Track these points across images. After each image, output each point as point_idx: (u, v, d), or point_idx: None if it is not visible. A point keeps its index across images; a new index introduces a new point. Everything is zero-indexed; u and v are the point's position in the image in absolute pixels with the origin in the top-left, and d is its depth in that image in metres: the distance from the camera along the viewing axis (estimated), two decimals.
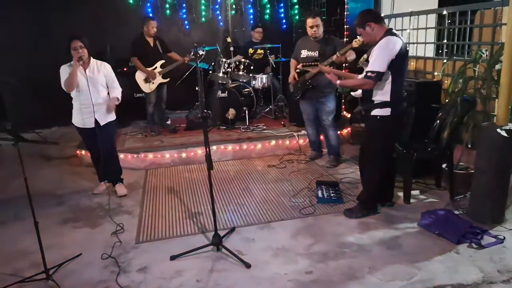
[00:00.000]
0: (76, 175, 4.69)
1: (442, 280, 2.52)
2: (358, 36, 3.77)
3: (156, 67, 5.53)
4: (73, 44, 3.62)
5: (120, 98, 3.90)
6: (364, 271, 2.65)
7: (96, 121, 3.81)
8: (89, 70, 3.74)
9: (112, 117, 3.95)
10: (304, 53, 4.47)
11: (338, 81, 3.45)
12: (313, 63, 4.12)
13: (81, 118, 3.82)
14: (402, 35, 3.62)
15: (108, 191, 4.06)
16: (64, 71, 3.69)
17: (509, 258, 2.72)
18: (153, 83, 5.53)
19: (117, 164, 4.19)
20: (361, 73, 3.51)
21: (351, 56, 4.21)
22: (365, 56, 3.45)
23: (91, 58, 3.79)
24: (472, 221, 3.14)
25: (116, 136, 4.31)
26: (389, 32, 3.09)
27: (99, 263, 2.87)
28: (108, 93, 3.89)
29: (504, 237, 2.95)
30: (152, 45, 5.52)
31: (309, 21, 4.35)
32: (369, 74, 3.04)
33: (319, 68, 3.97)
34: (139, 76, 5.51)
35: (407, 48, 3.19)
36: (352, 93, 4.10)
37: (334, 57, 4.09)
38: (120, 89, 3.94)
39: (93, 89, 3.74)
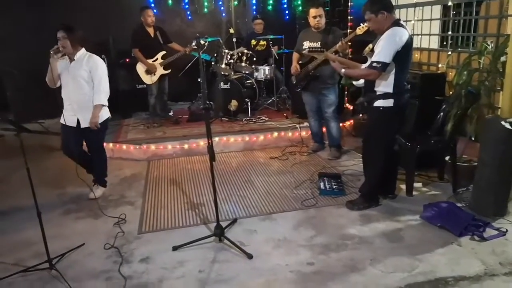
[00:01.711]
0: (79, 166, 4.68)
1: (443, 272, 2.52)
2: (361, 24, 3.73)
3: (157, 58, 5.50)
4: (57, 34, 3.40)
5: (105, 103, 3.55)
6: (366, 263, 2.66)
7: (78, 122, 3.56)
8: (74, 63, 3.49)
9: (99, 119, 3.59)
10: (307, 44, 4.45)
11: (343, 70, 3.42)
12: (319, 49, 4.09)
13: (65, 114, 3.53)
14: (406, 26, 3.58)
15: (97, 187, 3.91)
16: (51, 62, 3.45)
17: (511, 250, 2.72)
18: (154, 74, 5.50)
19: (102, 164, 3.90)
20: (365, 62, 3.48)
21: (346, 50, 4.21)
22: (370, 45, 3.40)
23: (83, 50, 3.53)
24: (475, 214, 3.14)
25: (105, 135, 3.90)
26: (397, 23, 3.05)
27: (102, 253, 2.89)
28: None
29: (507, 230, 2.94)
30: (152, 35, 5.49)
31: (312, 11, 4.32)
32: (374, 64, 3.01)
33: (325, 55, 3.93)
34: (140, 68, 5.49)
35: (412, 40, 3.15)
36: (354, 82, 4.07)
37: (338, 45, 4.04)
38: (107, 92, 3.57)
39: (74, 84, 3.48)
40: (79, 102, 3.52)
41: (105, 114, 3.67)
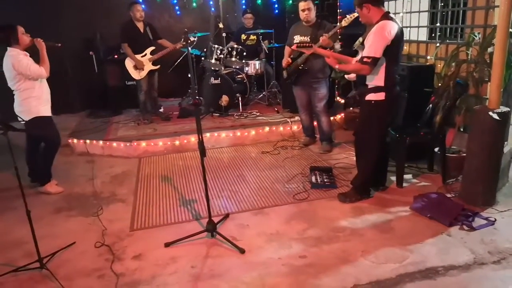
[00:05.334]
0: (68, 164, 4.66)
1: (434, 262, 2.55)
2: (347, 15, 3.73)
3: (146, 54, 5.45)
4: (23, 30, 3.65)
5: None
6: (357, 254, 2.68)
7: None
8: None
9: None
10: (297, 38, 4.44)
11: (337, 65, 3.41)
12: (307, 44, 4.07)
13: (47, 107, 3.80)
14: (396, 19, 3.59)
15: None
16: (27, 58, 3.60)
17: (500, 239, 2.76)
18: (143, 70, 5.46)
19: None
20: (355, 56, 3.48)
21: (337, 46, 4.19)
22: (360, 39, 3.41)
23: None
24: (464, 204, 3.17)
25: None
26: (386, 16, 3.05)
27: (94, 251, 2.87)
28: None
29: (495, 219, 2.98)
30: (142, 31, 5.43)
31: (301, 5, 4.31)
32: (365, 59, 3.01)
33: (314, 49, 3.92)
34: (129, 63, 5.43)
35: (402, 32, 3.16)
36: (346, 76, 4.07)
37: (321, 39, 3.99)
38: None
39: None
40: (49, 92, 3.85)
41: None
